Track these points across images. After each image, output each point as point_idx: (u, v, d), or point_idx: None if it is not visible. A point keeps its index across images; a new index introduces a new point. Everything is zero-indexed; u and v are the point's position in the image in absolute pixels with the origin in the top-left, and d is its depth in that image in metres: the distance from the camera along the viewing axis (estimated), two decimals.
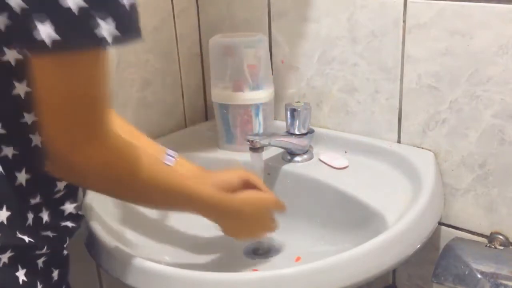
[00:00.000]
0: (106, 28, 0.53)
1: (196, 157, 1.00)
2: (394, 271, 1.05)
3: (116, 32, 0.53)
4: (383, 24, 0.93)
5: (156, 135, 1.07)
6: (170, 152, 0.85)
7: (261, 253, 0.94)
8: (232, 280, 0.72)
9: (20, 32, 0.52)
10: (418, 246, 0.81)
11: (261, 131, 1.05)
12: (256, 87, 1.03)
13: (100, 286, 1.10)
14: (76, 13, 0.51)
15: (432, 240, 0.89)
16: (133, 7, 0.55)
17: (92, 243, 0.82)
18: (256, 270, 0.89)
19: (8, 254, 0.61)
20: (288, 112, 0.99)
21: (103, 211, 0.88)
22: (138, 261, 0.74)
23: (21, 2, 0.50)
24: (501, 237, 0.90)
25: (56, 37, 0.51)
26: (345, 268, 0.72)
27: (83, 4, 0.51)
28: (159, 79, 1.13)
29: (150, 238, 0.93)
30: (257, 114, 1.04)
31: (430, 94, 0.92)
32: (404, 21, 0.91)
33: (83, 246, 0.84)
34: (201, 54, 1.20)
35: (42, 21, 0.51)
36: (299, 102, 1.00)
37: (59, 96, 0.56)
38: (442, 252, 0.90)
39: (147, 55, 1.09)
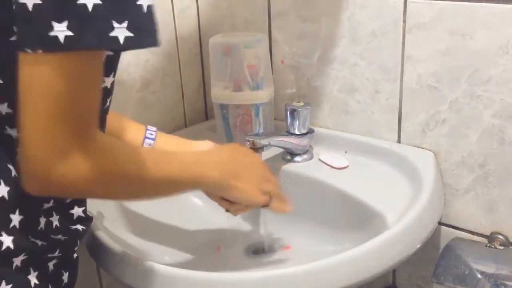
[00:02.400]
0: (119, 29, 0.51)
1: None
2: (394, 271, 1.05)
3: (129, 34, 0.51)
4: (383, 24, 0.93)
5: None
6: (150, 127, 0.88)
7: (261, 253, 0.94)
8: (232, 280, 0.72)
9: (29, 27, 0.50)
10: (418, 246, 0.81)
11: (261, 131, 1.05)
12: (256, 87, 1.03)
13: (100, 286, 1.10)
14: (90, 10, 0.50)
15: (432, 240, 0.89)
16: (150, 9, 0.53)
17: (93, 243, 0.82)
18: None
19: (21, 257, 0.61)
20: (288, 112, 0.99)
21: (104, 211, 0.88)
22: (138, 261, 0.74)
23: None
24: (501, 237, 0.90)
25: (69, 33, 0.49)
26: (345, 268, 0.72)
27: (98, 1, 0.50)
28: (159, 79, 1.13)
29: (150, 238, 0.93)
30: (257, 114, 1.04)
31: (430, 94, 0.92)
32: (404, 21, 0.91)
33: (83, 246, 0.84)
34: (201, 54, 1.20)
35: (56, 18, 0.49)
36: (299, 102, 1.00)
37: (54, 97, 0.53)
38: (442, 252, 0.90)
39: (147, 55, 1.09)
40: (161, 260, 0.87)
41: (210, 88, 1.07)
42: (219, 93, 1.05)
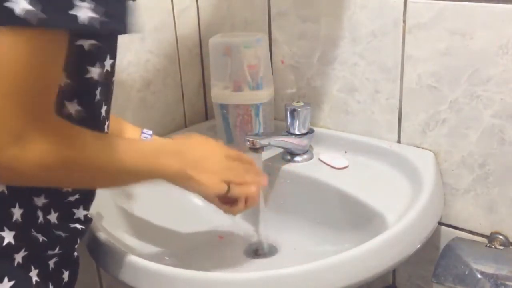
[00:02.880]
0: (80, 8, 0.48)
1: None
2: (394, 271, 1.05)
3: (93, 15, 0.49)
4: (383, 24, 0.93)
5: (156, 135, 1.07)
6: (146, 130, 0.86)
7: (261, 253, 0.94)
8: (232, 280, 0.72)
9: None
10: (418, 246, 0.81)
11: (261, 131, 1.05)
12: (256, 87, 1.03)
13: (100, 286, 1.10)
14: None
15: (432, 240, 0.89)
16: None
17: (93, 243, 0.82)
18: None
19: (22, 253, 0.61)
20: (288, 112, 0.99)
21: (103, 212, 0.88)
22: (138, 261, 0.74)
23: None
24: (501, 237, 0.90)
25: (28, 7, 0.47)
26: (345, 268, 0.72)
27: None
28: (159, 79, 1.13)
29: (150, 238, 0.93)
30: (257, 114, 1.04)
31: (430, 94, 0.92)
32: (404, 21, 0.91)
33: (83, 247, 0.84)
34: (201, 54, 1.20)
35: None
36: (299, 102, 1.00)
37: (9, 74, 0.49)
38: (442, 252, 0.90)
39: (147, 55, 1.09)
40: (161, 260, 0.87)
41: (210, 88, 1.07)
42: (219, 93, 1.05)
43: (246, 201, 0.80)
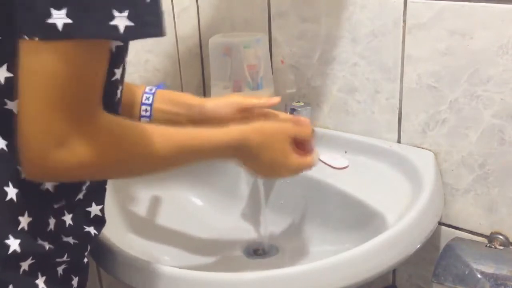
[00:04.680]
0: (119, 18, 0.50)
1: None
2: (394, 271, 1.05)
3: (130, 23, 0.51)
4: (383, 24, 0.93)
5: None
6: (148, 89, 0.83)
7: (261, 253, 0.94)
8: (232, 280, 0.72)
9: (27, 13, 0.49)
10: (418, 246, 0.81)
11: None
12: (256, 87, 1.03)
13: (100, 286, 1.10)
14: None
15: (432, 240, 0.89)
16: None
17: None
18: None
19: (29, 261, 0.60)
20: (288, 112, 0.99)
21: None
22: (138, 261, 0.74)
23: None
24: (501, 237, 0.90)
25: (68, 21, 0.49)
26: (345, 268, 0.72)
27: None
28: (159, 79, 1.13)
29: (150, 238, 0.93)
30: None
31: (430, 94, 0.92)
32: (404, 21, 0.91)
33: None
34: (201, 54, 1.20)
35: (55, 5, 0.48)
36: (299, 102, 1.00)
37: (53, 84, 0.52)
38: (442, 252, 0.90)
39: (147, 55, 1.09)
40: (161, 260, 0.87)
41: (210, 88, 1.07)
42: (219, 93, 1.05)
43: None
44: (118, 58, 0.61)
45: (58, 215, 0.64)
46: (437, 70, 0.90)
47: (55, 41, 0.50)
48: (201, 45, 1.19)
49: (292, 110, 0.98)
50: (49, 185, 0.61)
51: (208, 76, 1.11)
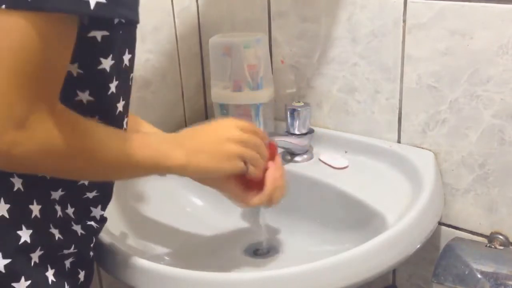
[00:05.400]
0: None
1: None
2: (394, 271, 1.05)
3: (102, 0, 0.49)
4: (383, 24, 0.93)
5: None
6: None
7: (261, 253, 0.94)
8: (232, 280, 0.72)
9: None
10: (418, 246, 0.81)
11: None
12: (256, 87, 1.03)
13: (100, 286, 1.10)
14: None
15: (432, 240, 0.89)
16: None
17: None
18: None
19: (38, 253, 0.61)
20: (288, 112, 0.99)
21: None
22: (138, 261, 0.74)
23: None
24: (501, 237, 0.90)
25: None
26: (345, 268, 0.72)
27: None
28: (159, 79, 1.13)
29: (150, 238, 0.93)
30: (257, 114, 1.04)
31: (430, 94, 0.92)
32: (404, 21, 0.91)
33: None
34: (201, 54, 1.20)
35: None
36: (299, 102, 1.00)
37: (17, 57, 0.49)
38: (442, 252, 0.90)
39: (147, 55, 1.09)
40: (161, 260, 0.87)
41: (210, 88, 1.07)
42: (219, 93, 1.05)
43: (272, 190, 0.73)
44: (107, 48, 0.59)
45: (62, 206, 0.64)
46: (437, 70, 0.90)
47: (23, 11, 0.48)
48: (201, 45, 1.19)
49: (292, 110, 0.98)
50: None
51: (208, 76, 1.11)
